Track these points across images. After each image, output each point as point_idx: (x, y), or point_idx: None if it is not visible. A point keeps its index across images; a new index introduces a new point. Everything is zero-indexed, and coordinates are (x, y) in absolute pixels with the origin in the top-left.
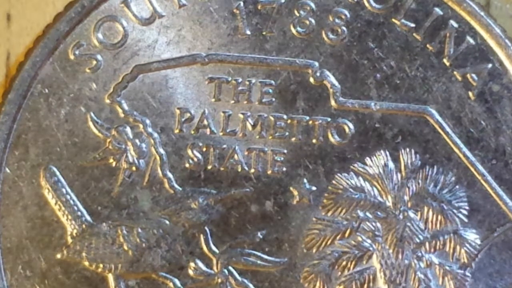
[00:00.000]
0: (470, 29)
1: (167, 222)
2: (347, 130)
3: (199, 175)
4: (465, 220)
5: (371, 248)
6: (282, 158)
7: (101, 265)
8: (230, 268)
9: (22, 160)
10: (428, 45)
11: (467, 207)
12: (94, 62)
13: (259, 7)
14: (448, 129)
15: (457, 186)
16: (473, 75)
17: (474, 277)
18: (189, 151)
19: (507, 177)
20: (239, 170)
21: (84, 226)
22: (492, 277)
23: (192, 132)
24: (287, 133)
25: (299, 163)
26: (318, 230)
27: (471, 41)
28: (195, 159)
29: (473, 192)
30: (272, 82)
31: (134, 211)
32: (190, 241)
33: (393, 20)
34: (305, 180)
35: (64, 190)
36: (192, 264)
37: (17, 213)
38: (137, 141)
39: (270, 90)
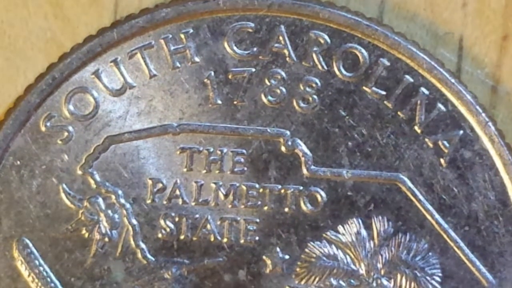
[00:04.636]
0: (441, 96)
1: None
2: (319, 198)
3: (172, 245)
4: (439, 287)
5: None
6: (254, 227)
7: None
8: None
9: None
10: (399, 113)
11: (440, 274)
12: (66, 134)
13: (229, 76)
14: (420, 196)
15: (430, 253)
16: (445, 142)
17: None
18: (162, 221)
19: (480, 244)
20: (212, 239)
21: None
22: None
23: (165, 202)
24: (259, 202)
25: (272, 232)
26: None
27: (442, 108)
28: (168, 229)
29: (446, 259)
30: (244, 151)
31: (108, 282)
32: None
33: (364, 88)
34: (278, 249)
35: (37, 262)
36: None
37: None
38: (109, 212)
39: (242, 159)
